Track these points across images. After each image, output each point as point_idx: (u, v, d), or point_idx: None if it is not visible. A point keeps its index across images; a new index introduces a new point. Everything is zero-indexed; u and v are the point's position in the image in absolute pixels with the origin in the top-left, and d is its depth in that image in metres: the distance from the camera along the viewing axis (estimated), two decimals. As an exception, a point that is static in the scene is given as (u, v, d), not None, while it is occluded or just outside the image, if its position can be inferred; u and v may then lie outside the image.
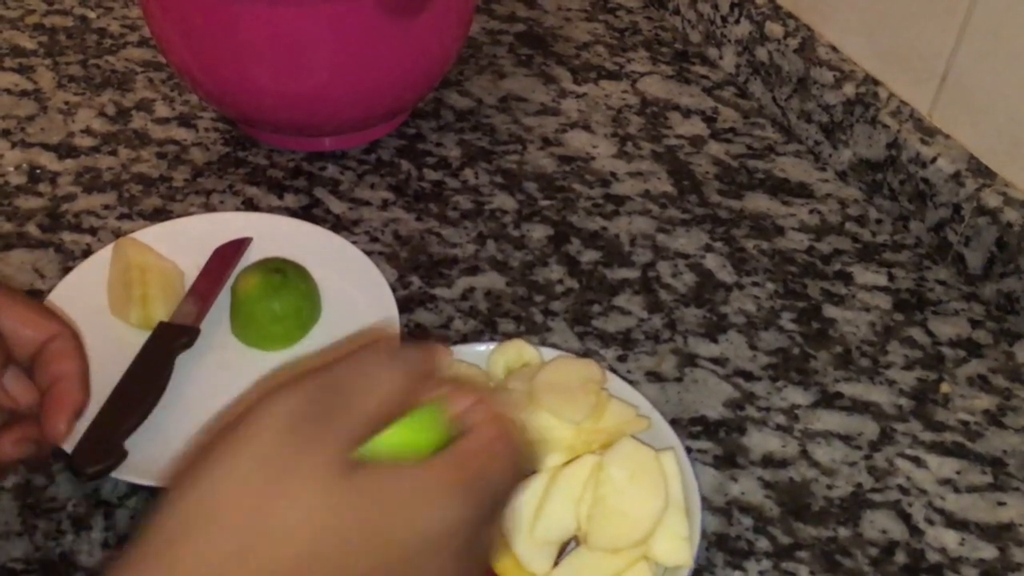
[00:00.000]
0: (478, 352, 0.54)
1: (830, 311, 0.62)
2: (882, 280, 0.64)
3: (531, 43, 0.80)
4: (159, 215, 0.65)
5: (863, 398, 0.57)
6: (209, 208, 0.66)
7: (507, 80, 0.77)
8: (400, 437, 0.33)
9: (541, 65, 0.78)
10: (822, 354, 0.60)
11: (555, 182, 0.70)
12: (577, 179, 0.70)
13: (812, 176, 0.70)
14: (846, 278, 0.64)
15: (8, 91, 0.73)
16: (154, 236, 0.61)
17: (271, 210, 0.66)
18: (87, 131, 0.71)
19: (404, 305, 0.60)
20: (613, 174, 0.70)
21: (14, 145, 0.69)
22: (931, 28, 0.63)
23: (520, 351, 0.54)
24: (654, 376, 0.58)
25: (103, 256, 0.59)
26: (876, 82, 0.68)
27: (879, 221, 0.67)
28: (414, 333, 0.59)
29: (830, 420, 0.56)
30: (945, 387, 0.58)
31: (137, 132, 0.71)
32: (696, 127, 0.74)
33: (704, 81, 0.78)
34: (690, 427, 0.56)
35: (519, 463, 0.35)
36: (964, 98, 0.63)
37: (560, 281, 0.63)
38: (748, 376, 0.58)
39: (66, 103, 0.73)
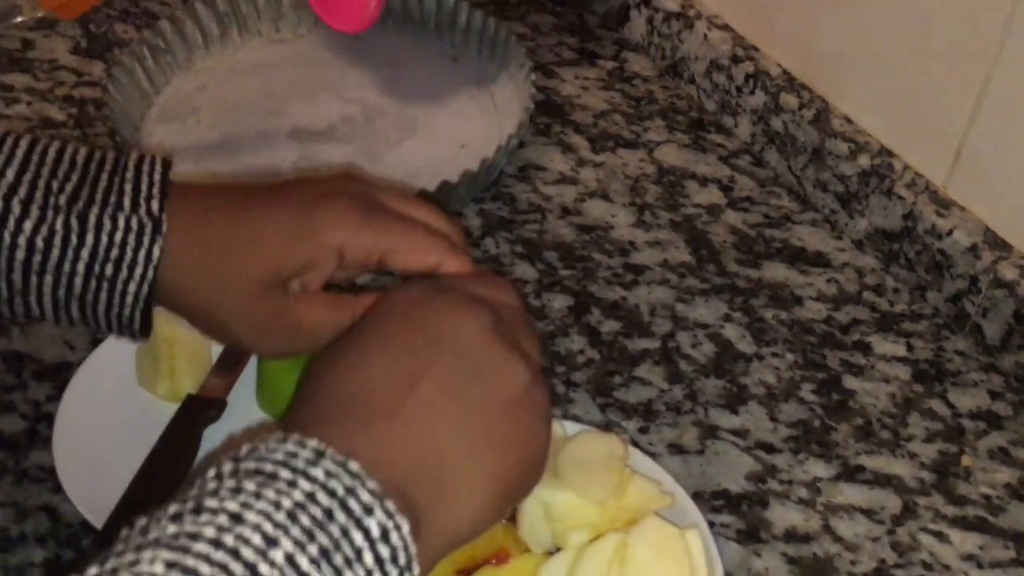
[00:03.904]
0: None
1: (850, 382, 0.62)
2: (901, 350, 0.64)
3: (549, 112, 0.82)
4: (186, 286, 0.66)
5: (885, 471, 0.58)
6: (235, 279, 0.67)
7: (526, 149, 0.78)
8: None
9: (559, 134, 0.80)
10: (843, 426, 0.60)
11: (575, 251, 0.71)
12: (596, 248, 0.71)
13: (829, 245, 0.71)
14: (865, 348, 0.64)
15: (39, 163, 0.75)
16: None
17: (296, 281, 0.67)
18: (115, 202, 0.72)
19: (427, 377, 0.61)
20: (632, 243, 0.71)
21: (44, 217, 0.71)
22: (945, 103, 0.64)
23: (543, 425, 0.55)
24: (676, 448, 0.59)
25: (132, 329, 0.60)
26: (891, 154, 0.69)
27: (896, 291, 0.68)
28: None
29: (852, 494, 0.57)
30: (966, 460, 0.58)
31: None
32: (713, 196, 0.75)
33: (720, 149, 0.79)
34: (712, 500, 0.56)
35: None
36: (979, 172, 0.64)
37: (581, 352, 0.64)
38: (769, 448, 0.59)
39: (95, 174, 0.74)
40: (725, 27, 0.80)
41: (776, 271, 0.69)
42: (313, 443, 0.33)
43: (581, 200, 0.74)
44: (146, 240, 0.43)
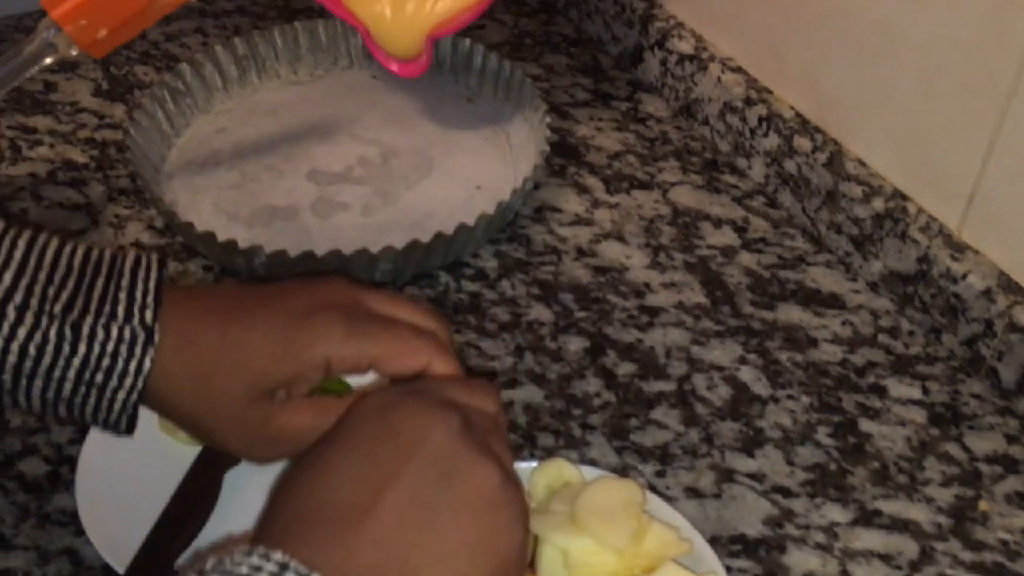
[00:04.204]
0: (520, 470, 0.55)
1: (866, 425, 0.63)
2: (916, 393, 0.65)
3: (564, 153, 0.83)
4: (206, 328, 0.67)
5: (902, 516, 0.58)
6: (254, 321, 0.68)
7: (541, 190, 0.79)
8: None
9: (574, 175, 0.81)
10: (859, 470, 0.60)
11: (590, 293, 0.71)
12: (612, 290, 0.71)
13: (843, 287, 0.72)
14: (880, 391, 0.65)
15: (61, 205, 0.76)
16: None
17: (314, 323, 0.68)
18: (136, 244, 0.73)
19: (445, 420, 0.61)
20: (647, 285, 0.72)
21: (66, 259, 0.71)
22: (957, 147, 0.65)
23: (561, 470, 0.55)
24: (693, 492, 0.59)
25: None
26: (905, 197, 0.69)
27: (911, 333, 0.68)
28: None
29: (870, 539, 0.57)
30: (983, 505, 0.58)
31: (184, 245, 0.73)
32: (727, 237, 0.75)
33: (734, 190, 0.79)
34: (730, 545, 0.56)
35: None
36: (993, 216, 0.64)
37: (597, 394, 0.64)
38: (786, 493, 0.59)
39: (116, 216, 0.75)
40: (738, 69, 0.80)
41: (791, 313, 0.70)
42: (277, 556, 0.35)
43: (596, 241, 0.75)
44: (138, 351, 0.44)
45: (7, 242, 0.44)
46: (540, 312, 0.70)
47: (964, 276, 0.64)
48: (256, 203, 0.76)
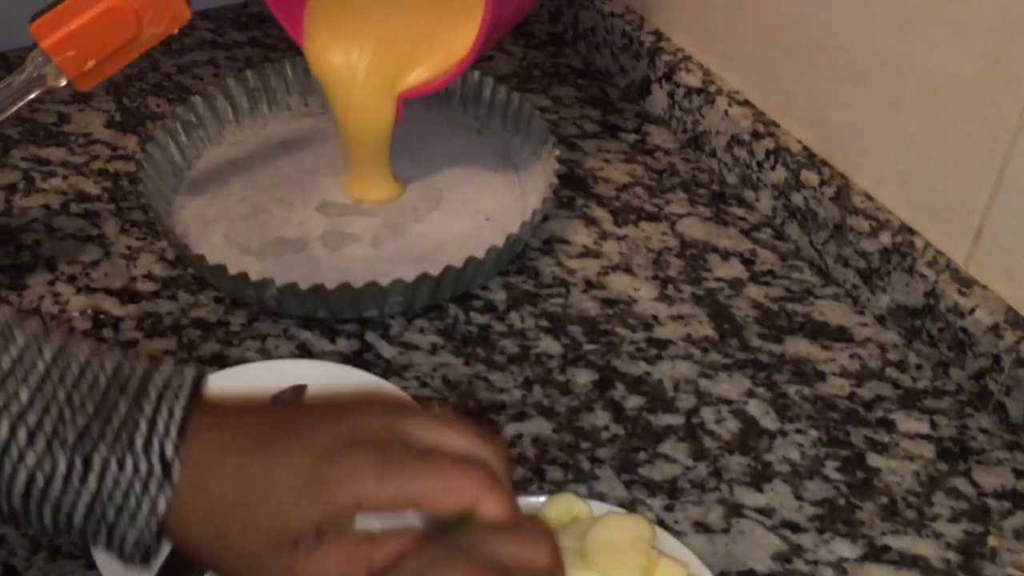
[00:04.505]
0: (528, 504, 0.55)
1: (874, 460, 0.63)
2: (924, 428, 0.65)
3: (572, 184, 0.83)
4: (217, 360, 0.68)
5: (911, 551, 0.58)
6: (265, 353, 0.68)
7: (550, 222, 0.79)
8: None
9: (582, 207, 0.81)
10: (868, 505, 0.60)
11: (599, 326, 0.71)
12: (620, 323, 0.72)
13: (851, 320, 0.72)
14: (888, 425, 0.65)
15: (74, 236, 0.77)
16: (212, 383, 0.63)
17: (324, 355, 0.68)
18: (148, 276, 0.74)
19: (454, 453, 0.61)
20: (655, 317, 0.72)
21: (79, 291, 0.72)
22: (965, 181, 0.65)
23: (570, 505, 0.55)
24: (701, 527, 0.59)
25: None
26: (912, 231, 0.70)
27: (919, 367, 0.69)
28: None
29: (878, 574, 0.57)
30: (992, 540, 0.58)
31: (195, 276, 0.74)
32: (735, 269, 0.76)
33: (741, 223, 0.80)
34: (738, 581, 0.56)
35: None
36: (1000, 251, 0.64)
37: (606, 427, 0.65)
38: (795, 528, 0.59)
39: (128, 248, 0.76)
40: (745, 103, 0.81)
41: (799, 346, 0.70)
42: None
43: (604, 274, 0.75)
44: (152, 489, 0.40)
45: (33, 349, 0.41)
46: (549, 344, 0.70)
47: (972, 311, 0.64)
48: (267, 235, 0.77)
